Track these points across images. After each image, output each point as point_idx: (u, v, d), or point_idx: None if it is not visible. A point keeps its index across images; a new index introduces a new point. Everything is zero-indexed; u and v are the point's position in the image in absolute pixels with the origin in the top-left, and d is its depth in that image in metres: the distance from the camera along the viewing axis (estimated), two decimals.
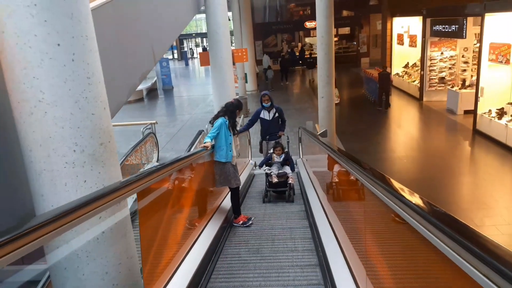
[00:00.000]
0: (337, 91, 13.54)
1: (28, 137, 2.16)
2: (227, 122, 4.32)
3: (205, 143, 4.15)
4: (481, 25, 9.70)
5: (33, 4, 1.96)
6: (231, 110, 4.40)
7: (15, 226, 1.38)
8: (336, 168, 3.87)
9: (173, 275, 2.74)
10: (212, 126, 4.34)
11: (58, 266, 2.38)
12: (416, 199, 1.55)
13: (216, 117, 4.39)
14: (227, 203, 4.79)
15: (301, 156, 8.32)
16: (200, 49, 39.94)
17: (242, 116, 10.16)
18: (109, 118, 2.43)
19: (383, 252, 2.37)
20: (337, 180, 3.95)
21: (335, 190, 4.13)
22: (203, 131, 8.41)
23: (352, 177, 2.91)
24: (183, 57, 34.97)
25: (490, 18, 9.47)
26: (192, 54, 39.53)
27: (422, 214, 1.41)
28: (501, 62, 9.09)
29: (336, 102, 12.70)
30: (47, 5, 1.97)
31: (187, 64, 34.69)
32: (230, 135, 4.37)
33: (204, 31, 37.26)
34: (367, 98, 15.60)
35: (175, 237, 3.32)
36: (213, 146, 4.29)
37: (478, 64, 10.10)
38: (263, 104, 6.48)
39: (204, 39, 38.73)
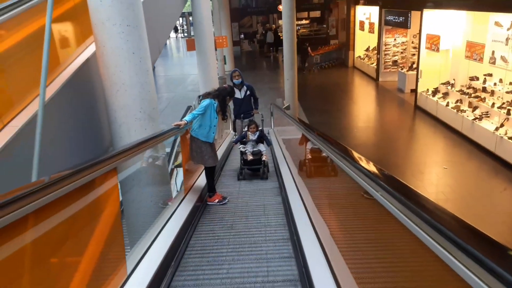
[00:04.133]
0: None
1: (114, 104, 3.88)
2: (215, 105, 4.34)
3: (181, 120, 4.11)
4: (421, 19, 11.70)
5: (121, 32, 3.65)
6: (223, 95, 4.45)
7: (105, 153, 2.85)
8: (309, 145, 3.96)
9: (147, 250, 2.79)
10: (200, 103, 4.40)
11: (128, 178, 4.11)
12: (371, 168, 1.80)
13: (205, 96, 4.43)
14: (201, 181, 4.81)
15: (272, 127, 10.21)
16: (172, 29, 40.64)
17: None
18: (155, 93, 4.17)
19: (349, 224, 2.59)
20: (310, 156, 4.07)
21: (308, 167, 4.27)
22: (191, 106, 9.96)
23: (323, 154, 3.01)
24: None
25: (428, 13, 11.47)
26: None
27: (372, 178, 1.67)
28: (433, 50, 11.17)
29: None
30: (130, 32, 3.68)
31: (164, 44, 35.47)
32: (216, 118, 4.36)
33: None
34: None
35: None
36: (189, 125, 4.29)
37: (418, 50, 12.16)
38: (234, 81, 6.42)
39: (180, 18, 39.43)
